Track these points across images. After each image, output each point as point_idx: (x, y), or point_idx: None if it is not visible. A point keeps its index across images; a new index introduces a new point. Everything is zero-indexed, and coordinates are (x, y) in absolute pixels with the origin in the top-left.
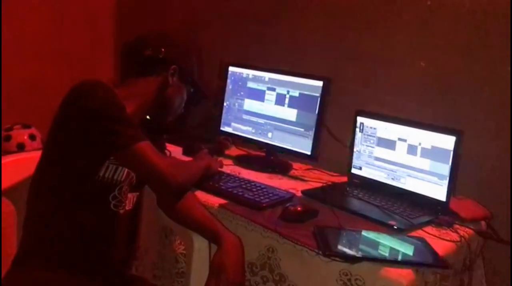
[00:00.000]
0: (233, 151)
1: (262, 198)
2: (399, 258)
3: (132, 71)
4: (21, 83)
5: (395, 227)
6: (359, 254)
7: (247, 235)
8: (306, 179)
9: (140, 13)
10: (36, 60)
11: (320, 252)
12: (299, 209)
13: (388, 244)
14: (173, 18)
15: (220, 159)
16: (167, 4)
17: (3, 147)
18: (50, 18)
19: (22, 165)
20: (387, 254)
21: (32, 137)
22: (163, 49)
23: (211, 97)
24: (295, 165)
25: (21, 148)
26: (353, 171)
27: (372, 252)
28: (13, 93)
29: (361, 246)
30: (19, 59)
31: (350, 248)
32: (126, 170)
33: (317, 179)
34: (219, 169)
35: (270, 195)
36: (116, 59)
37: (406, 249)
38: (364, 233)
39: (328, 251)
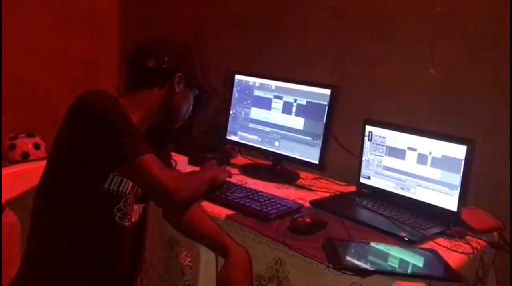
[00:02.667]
0: (240, 159)
1: (269, 208)
2: (411, 271)
3: (137, 82)
4: (25, 91)
5: (406, 239)
6: (370, 267)
7: (255, 247)
8: (313, 188)
9: (145, 20)
10: (40, 68)
11: (330, 265)
12: (307, 220)
13: (399, 256)
14: (179, 26)
15: (228, 168)
16: (172, 11)
17: (7, 156)
18: (54, 26)
19: (26, 175)
20: (398, 267)
21: (36, 146)
22: (166, 59)
23: (215, 95)
24: (302, 174)
25: (25, 157)
26: (362, 180)
27: (384, 265)
28: (17, 101)
29: (372, 259)
30: (23, 67)
31: (360, 260)
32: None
33: (325, 188)
34: (228, 179)
35: (278, 205)
36: (121, 67)
37: (417, 261)
38: (374, 244)
39: (339, 264)
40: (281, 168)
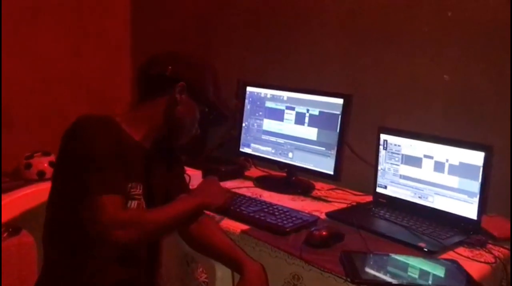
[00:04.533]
0: (253, 171)
1: (285, 222)
2: (432, 283)
3: (142, 93)
4: (40, 110)
5: (426, 249)
6: (390, 280)
7: (271, 262)
8: (329, 199)
9: (156, 37)
10: (55, 86)
11: (349, 279)
12: (324, 233)
13: (419, 267)
14: (189, 41)
15: (231, 192)
16: (183, 27)
17: (24, 175)
18: (69, 47)
19: (41, 194)
20: (419, 279)
21: (52, 164)
22: (170, 67)
23: (230, 116)
24: (318, 185)
25: (41, 175)
26: (378, 190)
27: (404, 277)
28: (32, 120)
29: (392, 271)
30: (37, 86)
31: (380, 273)
32: (136, 201)
33: (341, 199)
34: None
35: (294, 218)
36: (133, 86)
37: (438, 272)
38: (393, 256)
39: (357, 278)
40: (295, 179)
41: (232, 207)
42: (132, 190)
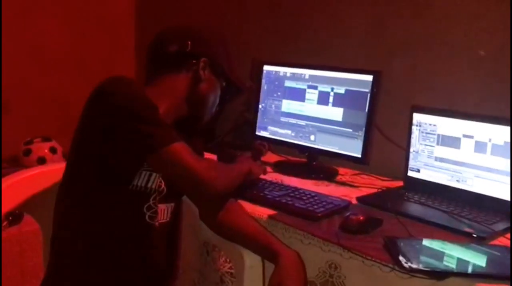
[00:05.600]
0: (270, 156)
1: (315, 207)
2: (492, 271)
3: (160, 70)
4: (40, 95)
5: (475, 235)
6: (446, 269)
7: (303, 249)
8: (356, 184)
9: (161, 20)
10: (55, 71)
11: (396, 267)
12: (361, 218)
13: (472, 255)
14: (198, 20)
15: (264, 165)
16: (191, 5)
17: (23, 162)
18: (70, 29)
19: (44, 177)
20: (476, 267)
21: (53, 150)
22: (189, 42)
23: (246, 90)
24: (341, 170)
25: (42, 162)
26: (410, 173)
27: (460, 265)
28: (32, 105)
29: (445, 259)
30: (37, 71)
31: (433, 261)
32: (159, 177)
33: (368, 184)
34: (262, 176)
35: (324, 203)
36: (138, 70)
37: (494, 260)
38: (442, 243)
39: (410, 266)
40: (317, 164)
41: (255, 191)
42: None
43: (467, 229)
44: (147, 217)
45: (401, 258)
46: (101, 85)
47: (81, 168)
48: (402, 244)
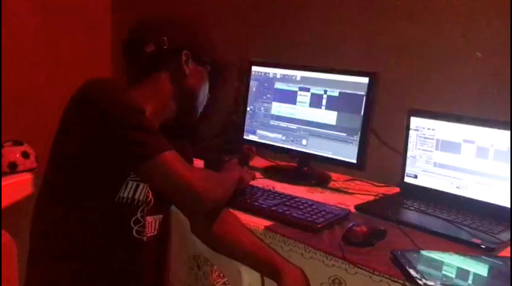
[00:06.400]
0: (258, 161)
1: (315, 217)
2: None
3: (140, 71)
4: (11, 95)
5: (483, 246)
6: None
7: (304, 264)
8: (351, 191)
9: (140, 10)
10: (27, 70)
11: (407, 284)
12: (365, 229)
13: (487, 269)
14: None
15: (252, 171)
16: (171, 1)
17: None
18: (43, 27)
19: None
20: (493, 281)
21: (25, 155)
22: (165, 38)
23: (230, 67)
24: (334, 176)
25: (13, 167)
26: (407, 179)
27: (479, 282)
28: (2, 106)
29: (460, 274)
30: (8, 70)
31: (448, 276)
32: (147, 187)
33: (364, 191)
34: (251, 182)
35: (323, 212)
36: (114, 69)
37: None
38: (453, 256)
39: (427, 281)
40: (308, 169)
41: (248, 199)
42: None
43: (474, 240)
44: (134, 231)
45: (412, 273)
46: (83, 90)
47: (61, 178)
48: (411, 258)
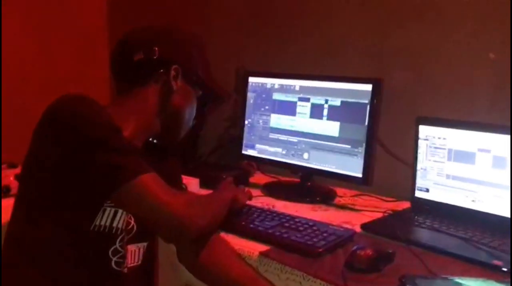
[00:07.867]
0: (259, 177)
1: (315, 240)
2: None
3: (125, 83)
4: (4, 114)
5: (505, 269)
6: None
7: None
8: (358, 208)
9: (138, 22)
10: (20, 88)
11: None
12: (370, 253)
13: None
14: (178, 27)
15: (247, 189)
16: (169, 12)
17: None
18: (38, 40)
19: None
20: None
21: (19, 177)
22: (156, 48)
23: (226, 97)
24: (339, 191)
25: (6, 191)
26: (418, 194)
27: None
28: None
29: None
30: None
31: None
32: (127, 214)
33: (371, 207)
34: (247, 202)
35: (325, 234)
36: (113, 85)
37: None
38: (470, 282)
39: None
40: (312, 185)
41: (243, 221)
42: None
43: (495, 261)
44: (113, 263)
45: None
46: (53, 107)
47: (32, 203)
48: (423, 285)
